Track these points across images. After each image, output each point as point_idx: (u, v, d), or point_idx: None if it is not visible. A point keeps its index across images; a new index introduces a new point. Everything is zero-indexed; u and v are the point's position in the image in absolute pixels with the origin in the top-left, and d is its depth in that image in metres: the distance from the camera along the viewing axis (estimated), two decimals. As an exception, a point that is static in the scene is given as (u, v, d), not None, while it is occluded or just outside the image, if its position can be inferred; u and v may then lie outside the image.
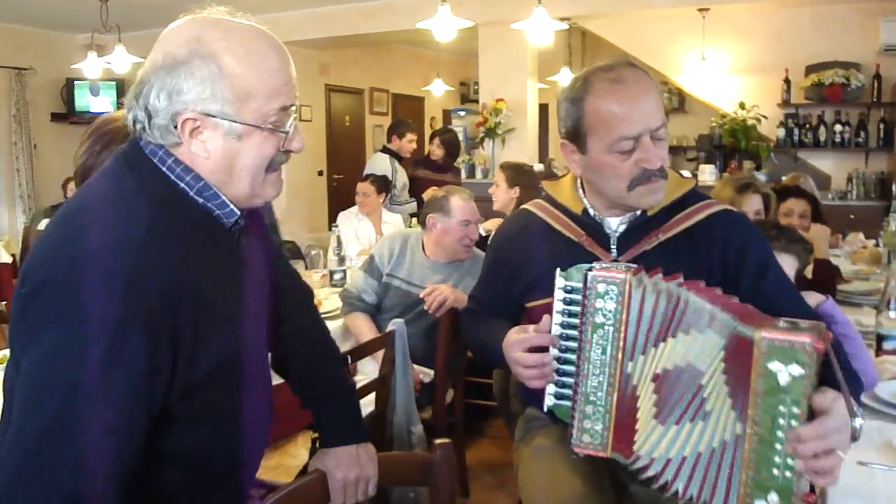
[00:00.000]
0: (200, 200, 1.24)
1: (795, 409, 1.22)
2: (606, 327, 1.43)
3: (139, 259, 1.10)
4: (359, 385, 2.68)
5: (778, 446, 1.24)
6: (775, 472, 1.25)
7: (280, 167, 1.30)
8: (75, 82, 8.73)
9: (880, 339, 2.21)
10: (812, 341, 1.19)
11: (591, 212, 1.71)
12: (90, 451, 1.06)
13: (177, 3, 1.30)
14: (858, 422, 1.28)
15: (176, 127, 1.20)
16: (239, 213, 1.28)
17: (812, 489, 1.26)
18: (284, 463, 2.52)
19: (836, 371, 1.23)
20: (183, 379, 1.18)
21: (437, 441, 1.56)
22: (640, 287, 1.40)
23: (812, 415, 1.22)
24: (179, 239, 1.18)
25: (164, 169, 1.22)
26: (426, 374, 3.00)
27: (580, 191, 1.74)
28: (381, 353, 2.65)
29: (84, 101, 8.86)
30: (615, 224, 1.69)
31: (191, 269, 1.17)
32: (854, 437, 1.27)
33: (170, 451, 1.23)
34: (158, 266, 1.12)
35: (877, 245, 4.54)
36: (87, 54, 6.76)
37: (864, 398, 1.83)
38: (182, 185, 1.22)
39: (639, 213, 1.67)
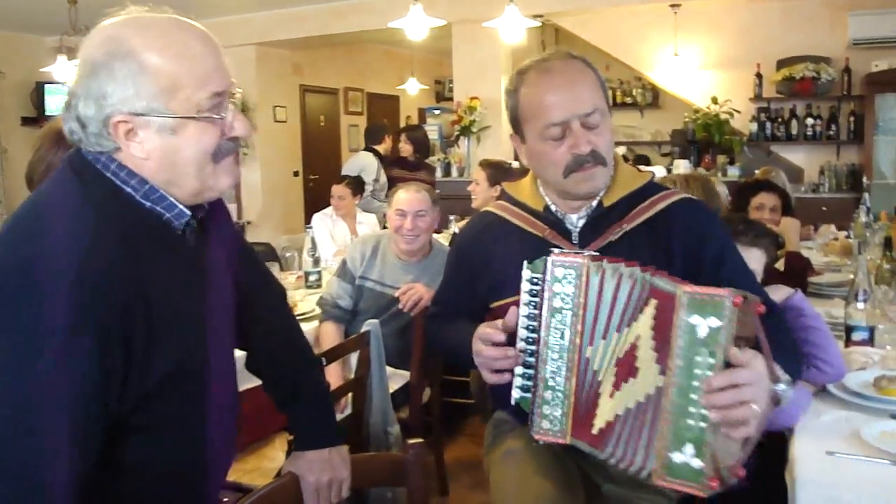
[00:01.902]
0: (147, 204, 1.22)
1: (711, 360, 1.25)
2: (564, 311, 1.44)
3: (86, 266, 1.09)
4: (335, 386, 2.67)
5: (694, 396, 1.27)
6: (691, 422, 1.27)
7: (231, 155, 1.27)
8: (45, 85, 8.62)
9: (849, 330, 2.23)
10: (729, 296, 1.23)
11: (553, 208, 1.72)
12: (44, 462, 1.05)
13: (145, 3, 1.27)
14: (781, 387, 1.31)
15: (110, 133, 1.18)
16: (189, 213, 1.26)
17: (745, 466, 1.28)
18: (261, 466, 2.51)
19: (761, 338, 1.28)
20: (137, 385, 1.16)
21: (410, 441, 1.56)
22: (598, 271, 1.41)
23: (729, 367, 1.25)
24: (128, 244, 1.16)
25: (108, 175, 1.21)
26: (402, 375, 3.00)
27: (540, 188, 1.75)
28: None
29: (55, 104, 8.75)
30: (575, 219, 1.70)
31: (140, 274, 1.16)
32: (776, 401, 1.31)
33: (130, 461, 1.22)
34: (106, 272, 1.10)
35: (848, 237, 4.59)
36: (56, 57, 6.68)
37: (832, 388, 1.85)
38: (128, 189, 1.21)
39: (595, 204, 1.68)
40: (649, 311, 1.35)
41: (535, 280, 1.47)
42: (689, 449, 1.28)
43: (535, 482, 1.58)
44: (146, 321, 1.15)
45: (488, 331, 1.53)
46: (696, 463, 1.27)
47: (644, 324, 1.36)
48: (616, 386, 1.39)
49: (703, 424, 1.26)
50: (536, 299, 1.47)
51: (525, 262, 1.49)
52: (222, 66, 1.23)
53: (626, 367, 1.38)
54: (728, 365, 1.25)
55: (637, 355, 1.36)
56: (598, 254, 1.49)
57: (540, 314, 1.46)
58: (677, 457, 1.29)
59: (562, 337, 1.44)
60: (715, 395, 1.23)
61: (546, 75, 1.62)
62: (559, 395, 1.45)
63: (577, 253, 1.49)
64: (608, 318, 1.41)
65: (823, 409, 1.78)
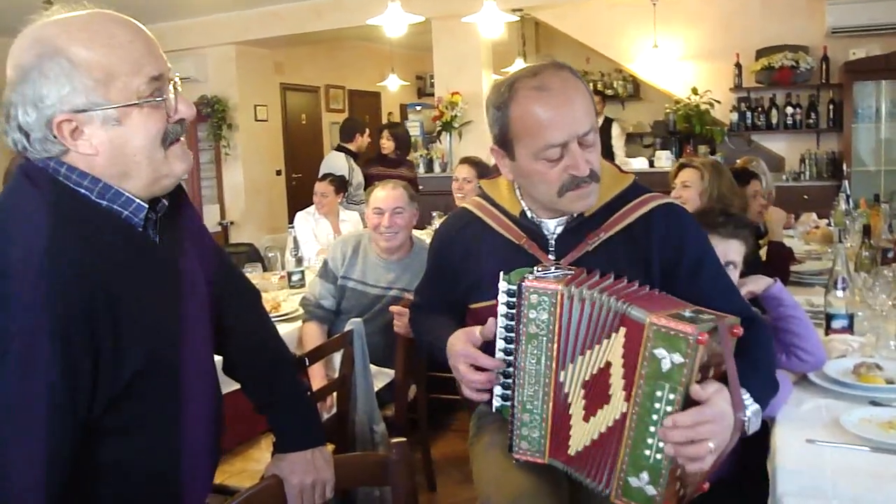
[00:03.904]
0: (104, 203, 1.21)
1: (672, 396, 1.25)
2: (540, 338, 1.44)
3: (44, 270, 1.08)
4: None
5: (652, 428, 1.28)
6: (647, 452, 1.29)
7: (180, 139, 1.27)
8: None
9: (829, 318, 2.24)
10: (695, 333, 1.21)
11: (529, 214, 1.67)
12: (15, 467, 1.05)
13: (122, 6, 1.27)
14: (748, 414, 1.32)
15: (55, 136, 1.17)
16: (147, 206, 1.25)
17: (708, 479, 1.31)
18: (247, 468, 2.50)
19: (729, 366, 1.27)
20: (109, 386, 1.16)
21: (393, 440, 1.56)
22: (570, 298, 1.41)
23: (690, 403, 1.25)
24: (87, 244, 1.15)
25: (60, 178, 1.19)
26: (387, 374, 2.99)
27: (517, 192, 1.70)
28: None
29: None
30: (553, 226, 1.65)
31: (103, 273, 1.15)
32: (743, 430, 1.31)
33: (104, 463, 1.21)
34: (66, 273, 1.10)
35: (829, 224, 4.61)
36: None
37: (812, 377, 1.87)
38: (82, 190, 1.20)
39: (575, 213, 1.63)
40: (620, 338, 1.36)
41: (511, 292, 1.47)
42: (645, 476, 1.31)
43: (518, 473, 1.58)
44: (113, 321, 1.14)
45: (470, 351, 1.54)
46: (650, 490, 1.31)
47: (616, 351, 1.36)
48: (590, 410, 1.41)
49: (658, 456, 1.29)
50: (513, 311, 1.47)
51: (501, 274, 1.49)
52: (153, 51, 1.23)
53: (600, 393, 1.39)
54: (689, 399, 1.25)
55: (610, 383, 1.37)
56: (573, 270, 1.48)
57: (517, 339, 1.46)
58: (633, 481, 1.32)
59: (537, 362, 1.45)
60: (671, 432, 1.25)
61: (542, 94, 1.51)
62: (537, 417, 1.47)
63: (554, 271, 1.49)
64: (575, 342, 1.42)
65: (804, 398, 1.80)
